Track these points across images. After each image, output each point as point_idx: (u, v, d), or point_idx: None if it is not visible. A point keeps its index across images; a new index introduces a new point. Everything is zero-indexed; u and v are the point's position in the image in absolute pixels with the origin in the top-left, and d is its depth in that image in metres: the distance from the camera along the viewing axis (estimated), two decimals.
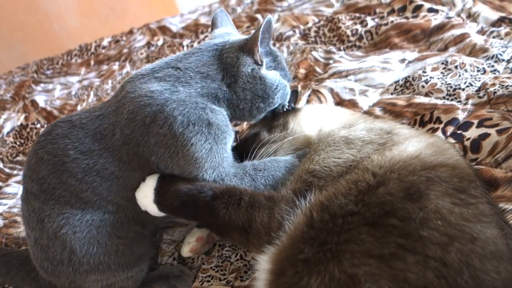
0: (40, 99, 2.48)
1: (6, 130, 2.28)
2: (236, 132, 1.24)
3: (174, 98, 0.95)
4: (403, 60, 1.63)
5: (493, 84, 1.29)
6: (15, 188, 1.73)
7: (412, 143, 0.92)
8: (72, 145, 0.98)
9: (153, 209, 0.99)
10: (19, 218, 1.49)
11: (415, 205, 0.73)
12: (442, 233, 0.68)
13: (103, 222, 1.00)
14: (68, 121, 1.03)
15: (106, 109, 1.02)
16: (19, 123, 2.29)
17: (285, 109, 1.20)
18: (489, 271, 0.65)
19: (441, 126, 1.23)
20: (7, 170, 1.91)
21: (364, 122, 1.08)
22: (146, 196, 0.98)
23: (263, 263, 0.84)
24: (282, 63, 1.15)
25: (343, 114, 1.19)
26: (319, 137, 1.07)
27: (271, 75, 1.08)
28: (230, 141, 1.02)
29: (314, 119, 1.16)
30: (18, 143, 2.14)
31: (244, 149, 1.12)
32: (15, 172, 1.87)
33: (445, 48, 1.62)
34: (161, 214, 0.99)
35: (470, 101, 1.30)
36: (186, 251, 1.14)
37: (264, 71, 1.06)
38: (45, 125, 2.22)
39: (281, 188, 0.98)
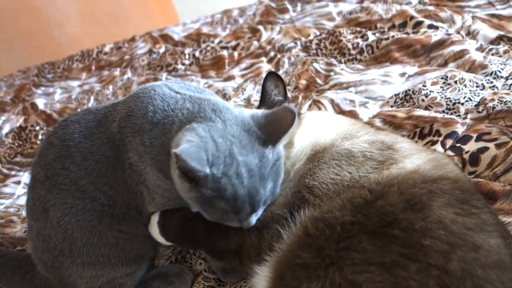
0: (40, 102, 2.48)
1: (4, 131, 2.28)
2: None
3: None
4: (403, 74, 1.65)
5: (492, 100, 1.31)
6: (13, 188, 1.73)
7: (411, 160, 0.92)
8: (79, 129, 1.01)
9: (162, 241, 1.05)
10: (15, 218, 1.49)
11: (417, 215, 0.73)
12: (444, 241, 0.69)
13: (104, 213, 1.00)
14: (87, 109, 1.06)
15: (122, 99, 1.05)
16: (18, 124, 2.29)
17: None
18: (493, 281, 0.65)
19: (441, 139, 1.24)
20: (5, 170, 1.90)
21: (367, 134, 1.08)
22: (154, 230, 1.05)
23: (262, 271, 0.84)
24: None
25: (344, 123, 1.18)
26: (323, 147, 1.06)
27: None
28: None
29: (314, 132, 1.14)
30: (16, 144, 2.14)
31: None
32: (13, 172, 1.87)
33: (445, 64, 1.65)
34: (169, 243, 1.05)
35: (469, 116, 1.31)
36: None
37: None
38: (45, 128, 2.22)
39: (277, 200, 0.99)
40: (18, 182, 1.76)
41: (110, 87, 2.48)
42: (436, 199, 0.77)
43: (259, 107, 1.21)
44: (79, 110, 1.14)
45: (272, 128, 0.86)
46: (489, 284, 0.64)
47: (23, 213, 1.53)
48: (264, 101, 1.19)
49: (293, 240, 0.82)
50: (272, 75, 1.19)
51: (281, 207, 0.95)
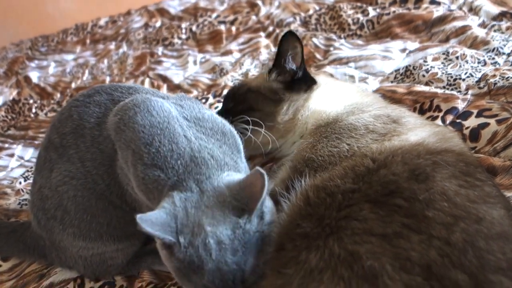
0: (34, 75, 2.44)
1: None
2: None
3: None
4: (404, 50, 1.63)
5: (494, 76, 1.29)
6: (6, 161, 1.71)
7: (415, 133, 0.92)
8: (97, 114, 0.99)
9: None
10: (9, 190, 1.47)
11: (421, 185, 0.73)
12: (447, 213, 0.68)
13: (102, 196, 0.99)
14: (110, 93, 1.02)
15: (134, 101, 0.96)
16: (11, 98, 2.26)
17: (299, 76, 1.15)
18: (495, 252, 0.64)
19: (441, 114, 1.23)
20: None
21: (375, 108, 1.06)
22: None
23: None
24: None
25: (354, 96, 1.15)
26: (326, 122, 1.05)
27: None
28: None
29: (326, 105, 1.11)
30: (9, 117, 2.11)
31: (234, 107, 1.13)
32: (6, 145, 1.84)
33: (446, 40, 1.62)
34: None
35: (470, 92, 1.30)
36: None
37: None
38: (38, 101, 2.19)
39: (278, 175, 0.99)
40: (12, 155, 1.74)
41: (105, 60, 2.44)
42: (440, 171, 0.76)
43: (271, 69, 1.19)
44: (108, 84, 1.08)
45: (246, 197, 0.79)
46: (491, 255, 0.63)
47: (17, 185, 1.51)
48: (278, 64, 1.16)
49: (294, 210, 0.81)
50: (291, 36, 1.13)
51: (280, 183, 0.95)
